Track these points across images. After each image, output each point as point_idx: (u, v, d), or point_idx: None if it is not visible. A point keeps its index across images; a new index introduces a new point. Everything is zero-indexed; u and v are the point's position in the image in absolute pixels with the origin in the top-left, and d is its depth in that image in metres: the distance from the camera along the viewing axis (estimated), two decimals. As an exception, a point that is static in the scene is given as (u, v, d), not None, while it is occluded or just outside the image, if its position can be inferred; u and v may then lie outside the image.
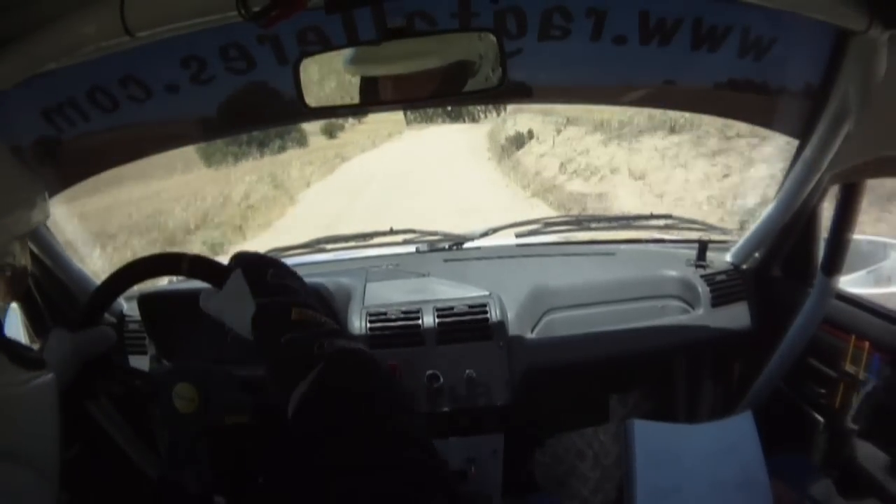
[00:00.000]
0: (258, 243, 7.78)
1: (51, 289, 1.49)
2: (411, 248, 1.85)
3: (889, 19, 1.05)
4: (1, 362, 0.75)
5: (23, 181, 0.81)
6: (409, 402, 0.75)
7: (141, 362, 1.48)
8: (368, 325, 1.46)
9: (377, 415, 0.71)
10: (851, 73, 1.19)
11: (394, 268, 1.74)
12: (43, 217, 0.86)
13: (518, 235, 1.85)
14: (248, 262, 0.93)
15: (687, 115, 7.70)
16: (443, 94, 1.14)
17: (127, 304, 1.60)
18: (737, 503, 0.95)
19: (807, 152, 1.38)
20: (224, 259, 0.98)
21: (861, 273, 1.53)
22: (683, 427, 1.02)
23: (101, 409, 1.11)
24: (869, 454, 1.28)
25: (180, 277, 1.59)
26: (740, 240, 1.67)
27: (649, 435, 0.92)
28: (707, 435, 1.00)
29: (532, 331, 1.54)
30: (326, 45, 1.31)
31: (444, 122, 23.80)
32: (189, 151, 13.20)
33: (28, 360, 0.79)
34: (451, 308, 1.48)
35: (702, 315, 1.56)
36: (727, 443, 0.99)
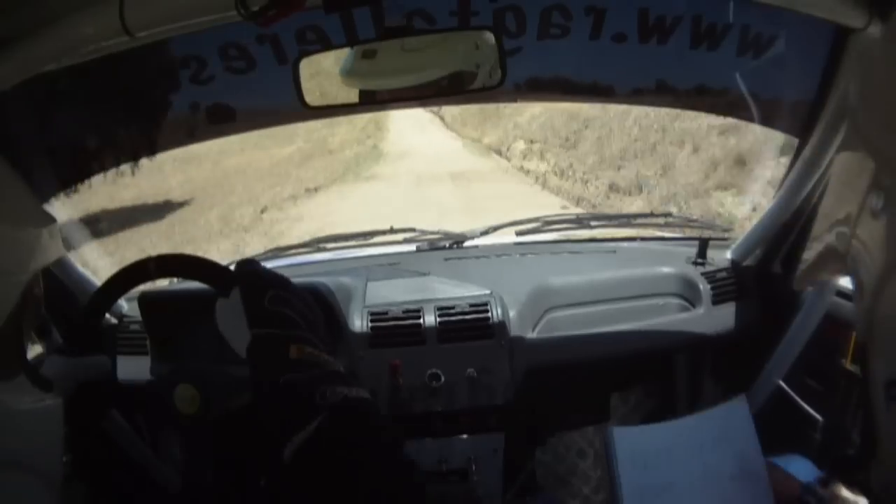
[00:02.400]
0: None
1: (51, 290, 1.49)
2: (412, 247, 1.85)
3: (888, 16, 1.04)
4: (22, 383, 0.81)
5: (38, 218, 0.84)
6: (410, 463, 0.73)
7: (141, 363, 1.48)
8: (370, 324, 1.46)
9: (379, 474, 0.69)
10: (851, 70, 1.19)
11: (394, 267, 1.74)
12: (58, 252, 0.88)
13: (518, 234, 1.84)
14: (246, 280, 0.88)
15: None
16: (443, 94, 1.15)
17: (127, 305, 1.60)
18: (732, 493, 0.93)
19: (807, 150, 1.38)
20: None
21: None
22: (671, 424, 0.99)
23: (111, 423, 1.12)
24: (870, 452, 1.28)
25: (180, 278, 1.59)
26: (741, 237, 1.67)
27: (631, 439, 0.91)
28: (698, 426, 0.98)
29: (533, 329, 1.54)
30: (326, 45, 1.31)
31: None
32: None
33: (43, 382, 0.84)
34: (453, 307, 1.48)
35: (702, 313, 1.56)
36: (720, 432, 0.97)
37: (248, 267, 0.91)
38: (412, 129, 13.52)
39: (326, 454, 0.70)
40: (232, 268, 0.97)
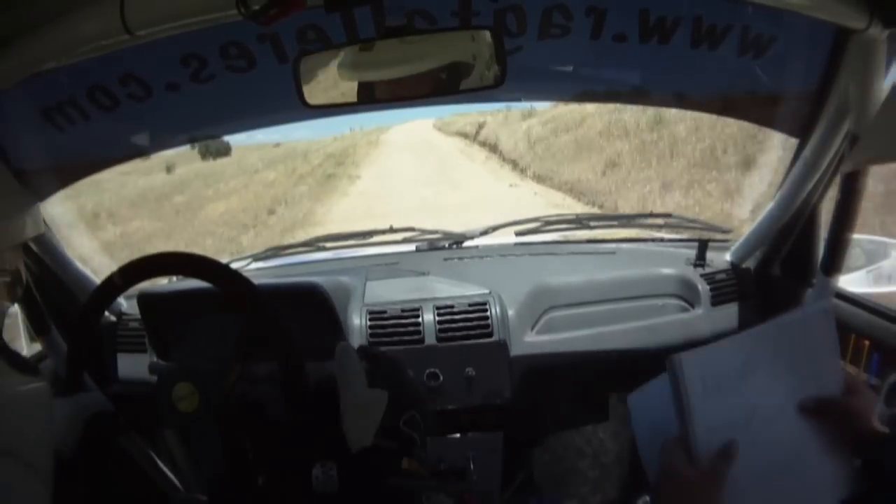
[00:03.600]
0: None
1: (51, 288, 1.49)
2: (411, 247, 1.85)
3: (889, 17, 1.05)
4: (1, 367, 0.82)
5: (15, 195, 0.84)
6: None
7: (140, 361, 1.48)
8: (368, 323, 1.46)
9: None
10: (851, 71, 1.19)
11: (393, 266, 1.74)
12: (36, 230, 0.89)
13: (518, 234, 1.84)
14: (393, 392, 0.98)
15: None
16: (441, 93, 1.14)
17: (126, 303, 1.60)
18: (810, 428, 0.83)
19: (806, 152, 1.38)
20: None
21: (861, 272, 1.53)
22: (743, 336, 0.86)
23: (129, 442, 1.14)
24: None
25: (179, 276, 1.60)
26: (740, 239, 1.67)
27: (700, 364, 0.81)
28: (777, 338, 0.86)
29: (532, 329, 1.54)
30: (326, 44, 1.31)
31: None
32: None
33: (24, 366, 0.84)
34: (451, 306, 1.48)
35: (701, 314, 1.56)
36: (802, 344, 0.85)
37: (407, 375, 1.09)
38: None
39: None
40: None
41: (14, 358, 0.84)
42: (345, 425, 0.97)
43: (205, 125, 1.66)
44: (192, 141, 1.72)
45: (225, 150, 16.66)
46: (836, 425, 0.78)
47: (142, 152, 1.70)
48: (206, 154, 16.17)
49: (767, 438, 0.78)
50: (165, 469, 1.23)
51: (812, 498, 0.79)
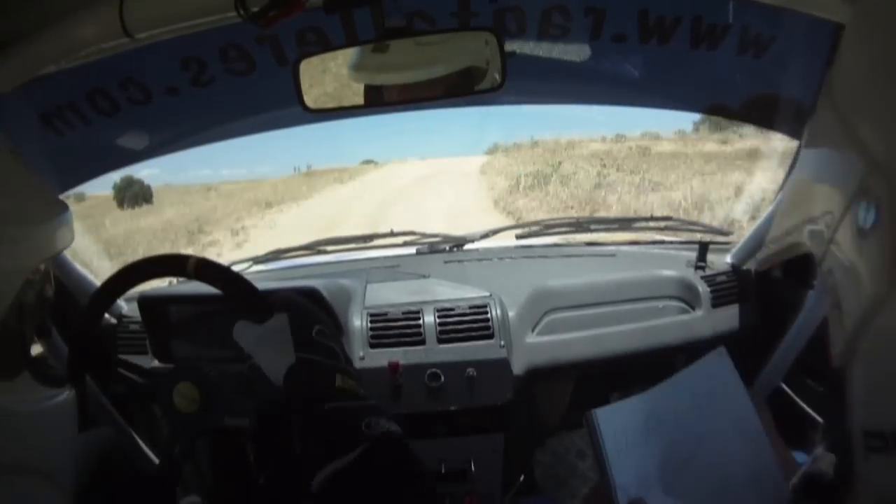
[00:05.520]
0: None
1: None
2: (412, 250, 1.85)
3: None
4: (26, 381, 0.79)
5: (50, 204, 0.82)
6: (443, 496, 0.78)
7: (141, 363, 1.47)
8: (369, 325, 1.46)
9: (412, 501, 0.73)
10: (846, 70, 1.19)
11: (394, 269, 1.74)
12: (69, 241, 0.86)
13: (518, 237, 1.84)
14: (297, 309, 0.90)
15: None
16: (444, 96, 1.14)
17: (127, 305, 1.60)
18: (736, 462, 0.87)
19: (807, 152, 1.37)
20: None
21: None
22: (652, 392, 0.89)
23: (89, 398, 1.11)
24: None
25: (181, 279, 1.60)
26: (741, 241, 1.66)
27: (614, 418, 0.84)
28: (681, 388, 0.90)
29: (532, 330, 1.54)
30: (326, 46, 1.31)
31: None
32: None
33: (51, 378, 0.82)
34: (452, 308, 1.48)
35: (702, 315, 1.55)
36: (706, 390, 0.89)
37: (300, 299, 0.94)
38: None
39: (363, 484, 0.73)
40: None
41: (40, 370, 0.82)
42: (258, 362, 0.89)
43: (204, 129, 1.66)
44: (192, 146, 1.71)
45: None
46: None
47: (141, 157, 1.70)
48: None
49: (688, 482, 0.82)
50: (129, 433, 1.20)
51: None
